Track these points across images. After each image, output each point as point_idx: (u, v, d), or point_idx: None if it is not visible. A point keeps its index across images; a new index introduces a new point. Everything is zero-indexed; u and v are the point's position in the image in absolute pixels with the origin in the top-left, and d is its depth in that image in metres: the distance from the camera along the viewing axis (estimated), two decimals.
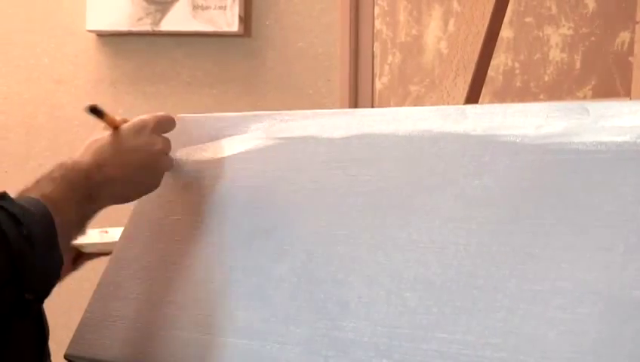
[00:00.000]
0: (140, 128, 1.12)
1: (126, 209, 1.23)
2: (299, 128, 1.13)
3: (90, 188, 1.07)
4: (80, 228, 1.09)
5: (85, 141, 1.12)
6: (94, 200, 1.08)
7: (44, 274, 0.97)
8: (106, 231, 1.29)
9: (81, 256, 1.26)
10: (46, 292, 0.98)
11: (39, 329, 1.02)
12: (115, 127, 1.12)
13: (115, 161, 1.09)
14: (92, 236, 1.24)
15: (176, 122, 1.17)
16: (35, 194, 1.02)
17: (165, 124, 1.15)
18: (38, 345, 1.02)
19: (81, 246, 1.25)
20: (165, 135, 1.15)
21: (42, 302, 0.99)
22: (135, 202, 1.22)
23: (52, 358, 1.06)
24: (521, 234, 0.90)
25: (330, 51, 2.18)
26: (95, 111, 1.12)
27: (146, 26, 2.22)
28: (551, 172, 0.91)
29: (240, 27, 2.18)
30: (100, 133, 1.13)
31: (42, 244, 0.96)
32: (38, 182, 1.05)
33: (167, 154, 1.15)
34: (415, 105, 2.01)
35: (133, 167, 1.10)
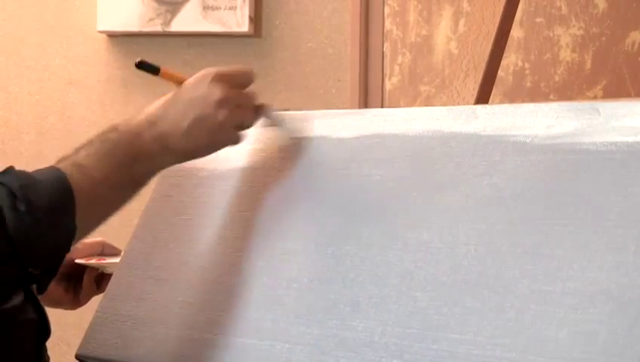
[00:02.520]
0: (201, 79, 1.04)
1: (138, 211, 1.23)
2: (309, 128, 1.13)
3: (139, 147, 1.02)
4: (127, 191, 1.05)
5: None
6: (144, 159, 1.03)
7: (50, 247, 0.95)
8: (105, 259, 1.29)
9: (104, 278, 1.26)
10: (54, 266, 0.97)
11: (39, 331, 1.02)
12: (179, 82, 1.06)
13: (169, 115, 1.03)
14: (115, 258, 1.24)
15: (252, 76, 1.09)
16: (67, 162, 1.01)
17: (233, 76, 1.06)
18: (36, 346, 1.01)
19: (104, 267, 1.25)
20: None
21: (53, 276, 0.97)
22: (144, 202, 1.22)
23: (64, 358, 1.06)
24: (532, 235, 0.90)
25: (341, 51, 2.18)
26: (144, 65, 1.06)
27: (156, 27, 2.23)
28: (561, 172, 0.91)
29: (250, 27, 2.19)
30: (169, 94, 1.07)
31: (47, 216, 0.94)
32: (78, 147, 1.03)
33: (232, 107, 1.04)
34: (425, 106, 2.01)
35: (187, 120, 1.02)
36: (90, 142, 1.04)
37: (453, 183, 0.97)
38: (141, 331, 1.13)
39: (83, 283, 1.26)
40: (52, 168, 1.00)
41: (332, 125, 1.11)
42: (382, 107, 2.10)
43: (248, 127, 1.09)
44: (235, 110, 1.05)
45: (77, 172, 1.00)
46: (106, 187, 1.02)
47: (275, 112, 1.13)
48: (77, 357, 1.18)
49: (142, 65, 1.06)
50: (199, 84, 1.04)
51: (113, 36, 2.29)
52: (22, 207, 0.93)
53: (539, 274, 0.87)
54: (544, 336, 0.84)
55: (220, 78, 1.04)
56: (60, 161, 1.04)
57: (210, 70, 1.05)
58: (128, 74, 2.30)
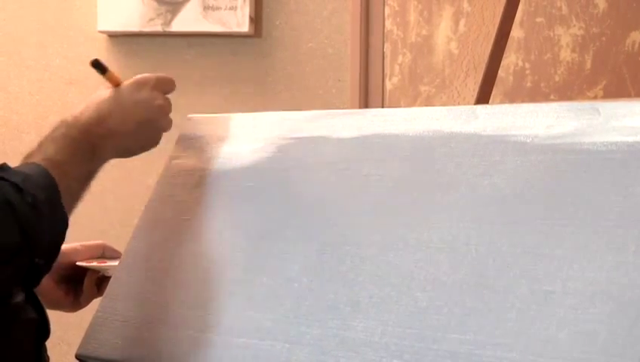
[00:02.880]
0: (142, 84, 1.15)
1: (138, 211, 1.23)
2: (309, 128, 1.13)
3: (93, 142, 1.09)
4: (86, 184, 1.11)
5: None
6: (97, 154, 1.10)
7: (50, 239, 1.00)
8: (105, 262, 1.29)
9: (104, 280, 1.26)
10: (54, 256, 1.01)
11: (39, 331, 1.02)
12: (116, 84, 1.14)
13: (117, 114, 1.12)
14: (116, 261, 1.24)
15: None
16: (38, 158, 1.06)
17: (166, 83, 1.17)
18: (36, 346, 1.02)
19: (105, 269, 1.25)
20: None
21: (51, 267, 1.01)
22: (144, 202, 1.23)
23: (64, 358, 1.06)
24: (532, 235, 0.90)
25: (341, 51, 2.18)
26: (98, 65, 1.14)
27: (156, 27, 2.23)
28: (561, 172, 0.91)
29: (250, 27, 2.19)
30: (102, 91, 1.15)
31: (47, 209, 0.99)
32: (40, 144, 1.08)
33: (167, 113, 1.16)
34: (425, 106, 2.01)
35: (134, 121, 1.13)
36: (52, 139, 1.09)
37: (454, 183, 0.97)
38: (141, 331, 1.13)
39: (84, 286, 1.26)
40: (33, 164, 1.04)
41: (332, 125, 1.11)
42: (382, 107, 2.10)
43: (168, 129, 1.20)
44: (168, 116, 1.18)
45: (52, 167, 1.04)
46: (75, 180, 1.07)
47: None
48: (77, 356, 1.18)
49: (96, 65, 1.15)
50: (141, 88, 1.15)
51: (113, 36, 2.29)
52: (29, 200, 0.97)
53: (539, 274, 0.87)
54: (544, 336, 0.84)
55: (157, 85, 1.16)
56: (27, 157, 1.08)
57: (149, 76, 1.16)
58: (129, 74, 2.29)
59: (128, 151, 1.15)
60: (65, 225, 1.02)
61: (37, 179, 1.00)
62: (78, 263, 1.24)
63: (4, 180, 0.97)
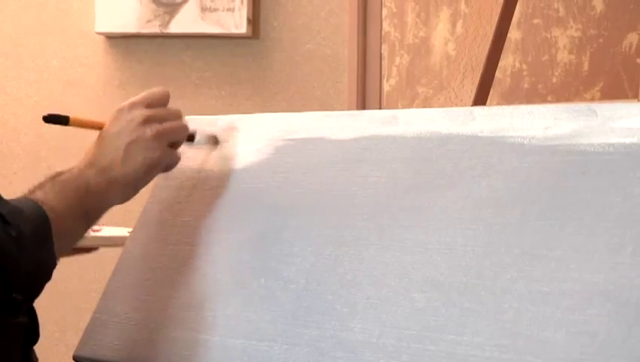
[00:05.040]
0: (118, 113, 1.09)
1: (136, 213, 1.23)
2: (307, 130, 1.13)
3: (86, 182, 1.05)
4: (84, 223, 1.06)
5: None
6: (93, 193, 1.05)
7: (33, 275, 0.96)
8: (99, 229, 1.28)
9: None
10: (36, 293, 0.97)
11: (28, 335, 1.01)
12: (100, 127, 1.10)
13: (105, 151, 1.07)
14: None
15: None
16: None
17: (147, 98, 1.11)
18: (24, 349, 1.01)
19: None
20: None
21: (31, 303, 0.98)
22: (142, 204, 1.22)
23: (62, 360, 1.06)
24: (529, 236, 0.90)
25: (338, 53, 2.19)
26: (52, 119, 1.09)
27: (154, 28, 2.23)
28: (559, 173, 0.91)
29: (248, 29, 2.19)
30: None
31: (32, 244, 0.95)
32: (29, 192, 1.03)
33: (159, 121, 1.09)
34: (423, 107, 2.01)
35: (122, 148, 1.07)
36: (39, 185, 1.04)
37: (451, 184, 0.98)
38: (139, 332, 1.13)
39: None
40: (26, 198, 1.00)
41: (330, 126, 1.11)
42: (380, 108, 2.10)
43: (181, 140, 1.14)
44: (163, 124, 1.10)
45: (43, 205, 1.00)
46: (68, 219, 1.02)
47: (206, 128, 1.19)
48: (74, 358, 1.18)
49: (49, 119, 1.09)
50: (120, 117, 1.09)
51: (111, 38, 2.29)
52: (13, 233, 0.93)
53: (537, 275, 0.88)
54: (542, 337, 0.85)
55: (134, 105, 1.09)
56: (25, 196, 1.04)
57: (123, 104, 1.10)
58: (126, 75, 2.30)
59: (129, 179, 1.08)
60: (52, 263, 0.98)
61: (28, 213, 0.96)
62: None
63: None
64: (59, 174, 1.06)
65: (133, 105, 1.10)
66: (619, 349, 0.80)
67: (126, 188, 1.08)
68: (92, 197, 1.06)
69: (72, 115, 1.11)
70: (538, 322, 0.85)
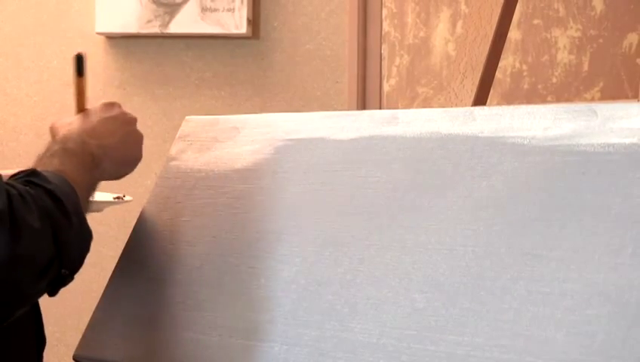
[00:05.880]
0: (109, 105, 1.16)
1: (136, 212, 1.23)
2: (307, 130, 1.13)
3: (91, 152, 1.09)
4: (91, 195, 1.10)
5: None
6: (97, 163, 1.09)
7: (80, 249, 0.99)
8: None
9: None
10: (79, 267, 1.00)
11: (37, 340, 1.02)
12: (82, 109, 1.15)
13: (100, 130, 1.12)
14: None
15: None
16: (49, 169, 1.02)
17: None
18: (38, 354, 1.01)
19: None
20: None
21: (73, 278, 1.00)
22: (142, 203, 1.23)
23: (62, 360, 1.06)
24: (529, 236, 0.90)
25: (339, 53, 2.19)
26: (80, 61, 1.16)
27: (154, 29, 2.23)
28: (559, 173, 0.91)
29: (248, 29, 2.19)
30: (69, 117, 1.15)
31: (78, 220, 0.98)
32: (39, 161, 1.06)
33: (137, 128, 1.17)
34: (423, 107, 2.01)
35: (119, 134, 1.13)
36: (51, 154, 1.07)
37: (451, 185, 0.98)
38: (139, 332, 1.13)
39: None
40: (58, 175, 1.01)
41: (330, 127, 1.11)
42: (380, 109, 2.10)
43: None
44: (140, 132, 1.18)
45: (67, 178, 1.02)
46: (84, 190, 1.05)
47: None
48: (75, 358, 1.18)
49: (79, 59, 1.17)
50: (111, 108, 1.15)
51: (111, 38, 2.29)
52: (64, 211, 0.95)
53: (537, 276, 0.88)
54: (542, 338, 0.85)
55: (120, 106, 1.17)
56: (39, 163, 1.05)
57: (113, 101, 1.17)
58: (126, 75, 2.30)
59: (123, 163, 1.15)
60: (90, 236, 1.01)
61: (66, 190, 0.99)
62: None
63: (40, 187, 0.95)
64: (64, 141, 1.09)
65: (120, 106, 1.17)
66: (618, 349, 0.80)
67: (118, 169, 1.14)
68: (97, 169, 1.09)
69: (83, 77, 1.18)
70: (538, 322, 0.85)
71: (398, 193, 1.01)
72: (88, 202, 1.08)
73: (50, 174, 1.00)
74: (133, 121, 1.16)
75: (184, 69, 2.27)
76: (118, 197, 1.31)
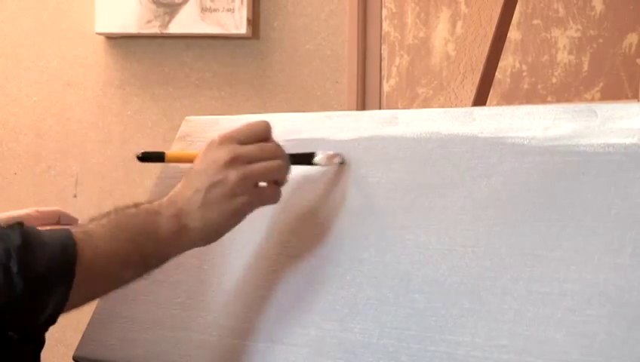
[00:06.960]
0: (207, 148, 0.99)
1: None
2: (307, 130, 1.13)
3: (154, 223, 0.96)
4: (140, 268, 0.98)
5: None
6: (158, 238, 0.96)
7: (32, 314, 0.89)
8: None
9: None
10: (34, 334, 0.92)
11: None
12: (190, 160, 1.01)
13: (185, 192, 0.97)
14: None
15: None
16: (81, 228, 0.94)
17: (242, 132, 0.99)
18: (35, 354, 0.99)
19: None
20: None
21: (33, 344, 0.93)
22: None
23: (62, 360, 1.06)
24: (529, 236, 0.90)
25: (338, 53, 2.19)
26: (147, 157, 1.03)
27: (154, 29, 2.23)
28: (559, 174, 0.91)
29: (248, 29, 2.19)
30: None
31: (40, 282, 0.89)
32: (97, 216, 0.97)
33: (244, 164, 0.98)
34: (423, 108, 2.01)
35: (201, 192, 0.97)
36: (108, 212, 0.97)
37: (451, 185, 0.98)
38: (138, 332, 1.13)
39: None
40: (65, 231, 0.93)
41: (330, 127, 1.11)
42: (380, 109, 2.10)
43: (281, 178, 1.02)
44: (252, 165, 0.98)
45: (84, 240, 0.92)
46: (111, 260, 0.94)
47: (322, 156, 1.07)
48: (74, 358, 1.18)
49: (145, 158, 1.02)
50: (207, 154, 0.98)
51: (111, 38, 2.29)
52: (14, 269, 0.87)
53: (537, 276, 0.88)
54: (542, 338, 0.85)
55: (224, 140, 0.98)
56: (80, 224, 0.98)
57: (214, 138, 0.99)
58: (126, 75, 2.30)
59: (207, 229, 0.98)
60: (58, 306, 0.90)
61: (50, 249, 0.90)
62: None
63: (1, 241, 0.88)
64: (135, 205, 0.98)
65: (223, 141, 0.98)
66: (618, 350, 0.80)
67: (203, 235, 0.99)
68: (157, 243, 0.97)
69: (167, 151, 1.04)
70: (538, 322, 0.85)
71: (397, 193, 1.01)
72: (125, 276, 0.97)
73: (53, 232, 0.92)
74: (222, 166, 0.97)
75: (184, 69, 2.27)
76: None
